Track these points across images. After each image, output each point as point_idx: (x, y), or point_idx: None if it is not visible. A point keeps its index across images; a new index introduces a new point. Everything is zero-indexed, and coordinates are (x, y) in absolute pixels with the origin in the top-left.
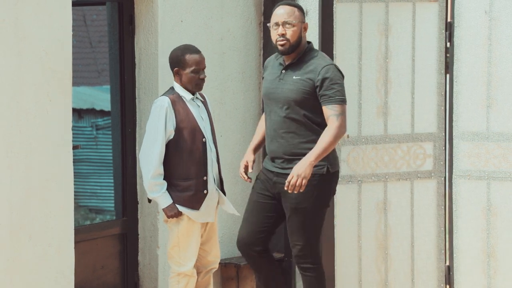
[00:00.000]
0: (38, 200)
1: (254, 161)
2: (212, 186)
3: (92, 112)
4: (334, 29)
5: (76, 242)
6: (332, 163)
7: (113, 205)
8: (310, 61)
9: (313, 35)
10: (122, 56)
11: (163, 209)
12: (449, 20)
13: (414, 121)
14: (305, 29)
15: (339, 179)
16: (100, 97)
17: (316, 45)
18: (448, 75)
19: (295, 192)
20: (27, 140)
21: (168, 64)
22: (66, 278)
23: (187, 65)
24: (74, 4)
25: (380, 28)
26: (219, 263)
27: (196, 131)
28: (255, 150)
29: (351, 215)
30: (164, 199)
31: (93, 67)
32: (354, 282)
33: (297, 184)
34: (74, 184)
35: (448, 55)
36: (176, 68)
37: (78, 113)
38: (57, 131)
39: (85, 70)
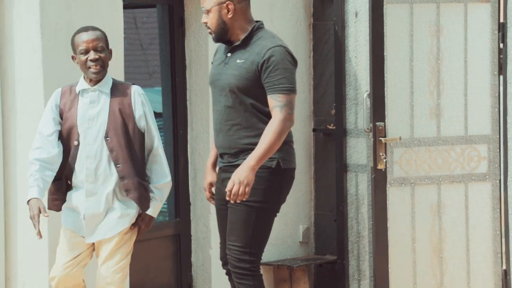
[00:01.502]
0: None
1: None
2: (81, 197)
3: None
4: (384, 31)
5: None
6: (285, 158)
7: (166, 206)
8: (256, 43)
9: (363, 37)
10: (173, 58)
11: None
12: (501, 20)
13: (467, 123)
14: (229, 9)
15: (392, 181)
16: (152, 99)
17: (366, 46)
18: (501, 76)
19: (238, 201)
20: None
21: None
22: None
23: (76, 46)
24: (125, 7)
25: (432, 29)
26: (272, 265)
27: (71, 131)
28: (214, 165)
29: (405, 218)
30: (29, 193)
31: (144, 69)
32: (409, 285)
33: (239, 192)
34: None
35: (501, 56)
36: (72, 55)
37: None
38: None
39: (136, 72)
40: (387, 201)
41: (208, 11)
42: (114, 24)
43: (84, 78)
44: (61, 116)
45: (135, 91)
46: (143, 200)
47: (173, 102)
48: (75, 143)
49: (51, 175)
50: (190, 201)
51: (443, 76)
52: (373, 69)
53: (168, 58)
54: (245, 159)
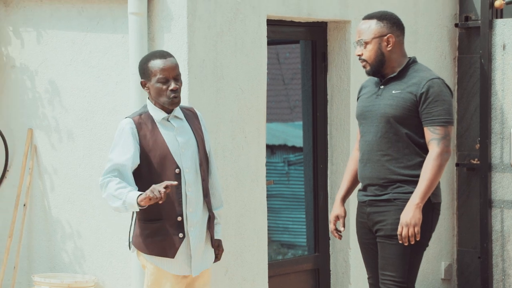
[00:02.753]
0: (234, 235)
1: (345, 216)
2: (194, 229)
3: (284, 148)
4: None
5: (269, 277)
6: (435, 193)
7: (305, 240)
8: (412, 74)
9: (511, 70)
10: (314, 92)
11: (141, 203)
12: None
13: None
14: (390, 41)
15: None
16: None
17: None
18: None
19: (412, 242)
20: (222, 177)
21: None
22: None
23: (151, 74)
24: (269, 43)
25: None
26: None
27: (166, 159)
28: (344, 199)
29: None
30: (132, 197)
31: (285, 104)
32: None
33: (410, 234)
34: (267, 219)
35: None
36: (142, 80)
37: (270, 149)
38: (252, 167)
39: (277, 107)
40: None
41: (366, 43)
42: (258, 60)
43: (154, 105)
44: (142, 147)
45: (200, 114)
46: (213, 227)
47: (313, 136)
48: (177, 170)
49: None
50: (329, 235)
51: None
52: None
53: (309, 93)
54: (394, 193)
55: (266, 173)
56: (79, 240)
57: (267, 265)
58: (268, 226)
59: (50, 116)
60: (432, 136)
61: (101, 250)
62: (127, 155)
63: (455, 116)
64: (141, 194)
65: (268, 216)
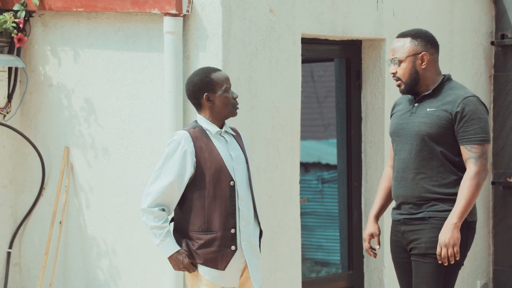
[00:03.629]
0: (268, 252)
1: (379, 234)
2: (246, 242)
3: (318, 165)
4: None
5: None
6: (471, 211)
7: (338, 258)
8: (447, 92)
9: None
10: (348, 110)
11: (168, 259)
12: None
13: None
14: (424, 59)
15: None
16: (326, 151)
17: None
18: None
19: (451, 262)
20: (257, 194)
21: None
22: None
23: (217, 85)
24: (303, 61)
25: None
26: None
27: (221, 172)
28: (378, 217)
29: None
30: (166, 246)
31: (319, 122)
32: None
33: (449, 254)
34: (301, 237)
35: None
36: (206, 94)
37: (304, 166)
38: (286, 185)
39: (311, 125)
40: None
41: (400, 61)
42: (292, 78)
43: (207, 119)
44: (198, 159)
45: (242, 134)
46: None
47: (347, 154)
48: (231, 183)
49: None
50: (363, 253)
51: None
52: None
53: (344, 111)
54: (428, 211)
55: (300, 190)
56: (114, 257)
57: (301, 283)
58: (302, 244)
59: (86, 134)
60: (469, 154)
61: (136, 268)
62: (162, 181)
63: (491, 134)
64: (173, 254)
65: (302, 233)
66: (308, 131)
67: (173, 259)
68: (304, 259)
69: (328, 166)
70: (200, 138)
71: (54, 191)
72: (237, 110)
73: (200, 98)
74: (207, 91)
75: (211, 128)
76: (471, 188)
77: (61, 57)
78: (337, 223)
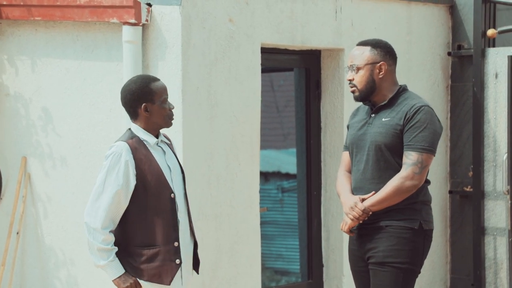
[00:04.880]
0: (228, 261)
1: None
2: (185, 255)
3: (277, 175)
4: None
5: None
6: (426, 219)
7: (298, 267)
8: (403, 102)
9: (503, 98)
10: (308, 120)
11: (113, 281)
12: None
13: None
14: (382, 69)
15: None
16: (286, 160)
17: (506, 108)
18: None
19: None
20: (216, 203)
21: None
22: None
23: (156, 96)
24: (263, 71)
25: None
26: None
27: (161, 184)
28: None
29: None
30: (112, 269)
31: (279, 131)
32: None
33: (357, 216)
34: (261, 246)
35: None
36: (144, 104)
37: (264, 176)
38: (246, 194)
39: (271, 134)
40: None
41: (358, 69)
42: (252, 87)
43: (143, 129)
44: (138, 172)
45: (171, 139)
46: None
47: (307, 163)
48: (172, 195)
49: None
50: (323, 262)
51: None
52: None
53: (303, 120)
54: (385, 219)
55: (260, 200)
56: (72, 267)
57: None
58: (262, 253)
59: (44, 143)
60: (405, 160)
61: (94, 278)
62: (105, 198)
63: (447, 144)
64: (116, 277)
65: (261, 243)
66: (268, 140)
67: (117, 281)
68: (264, 268)
69: (287, 175)
70: (139, 149)
71: (11, 201)
72: (199, 121)
73: (138, 108)
74: (145, 101)
75: (148, 138)
76: (391, 189)
77: (19, 66)
78: (296, 232)
